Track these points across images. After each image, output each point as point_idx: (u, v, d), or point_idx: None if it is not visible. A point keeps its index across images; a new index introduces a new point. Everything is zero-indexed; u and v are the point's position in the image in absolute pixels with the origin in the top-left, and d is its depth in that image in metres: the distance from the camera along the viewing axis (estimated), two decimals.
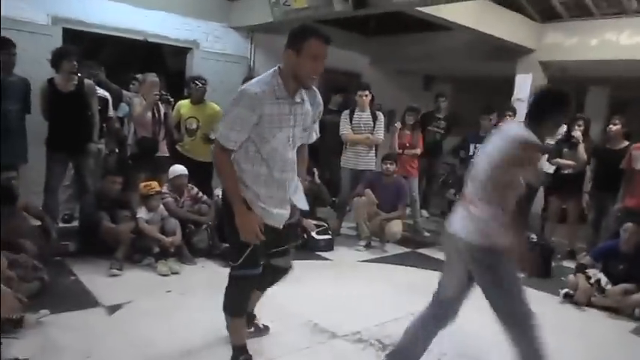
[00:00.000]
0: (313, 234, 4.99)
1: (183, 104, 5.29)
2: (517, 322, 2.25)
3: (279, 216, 2.44)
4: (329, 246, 5.04)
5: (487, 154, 2.30)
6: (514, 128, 2.41)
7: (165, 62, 7.23)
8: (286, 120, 2.33)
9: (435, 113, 6.72)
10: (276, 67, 2.35)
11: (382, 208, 5.24)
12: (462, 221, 2.30)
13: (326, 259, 4.84)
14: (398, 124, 5.92)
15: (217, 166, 2.40)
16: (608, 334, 3.67)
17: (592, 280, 4.22)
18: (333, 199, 5.76)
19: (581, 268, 4.28)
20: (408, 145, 5.84)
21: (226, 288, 2.50)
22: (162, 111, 4.89)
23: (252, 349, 2.61)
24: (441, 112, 6.71)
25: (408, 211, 6.10)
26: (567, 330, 3.66)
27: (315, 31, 2.26)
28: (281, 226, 2.47)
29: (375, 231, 5.23)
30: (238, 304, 2.52)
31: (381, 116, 5.61)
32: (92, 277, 3.74)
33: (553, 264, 5.04)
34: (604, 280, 4.18)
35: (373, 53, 8.39)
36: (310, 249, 4.92)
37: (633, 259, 4.08)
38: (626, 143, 5.06)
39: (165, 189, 4.46)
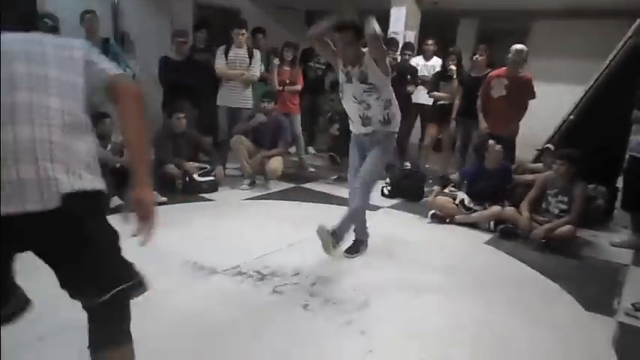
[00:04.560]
0: (195, 176, 4.89)
1: None
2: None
3: None
4: (212, 187, 4.97)
5: None
6: None
7: None
8: None
9: None
10: None
11: (263, 146, 5.24)
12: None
13: (209, 200, 4.80)
14: (276, 61, 5.86)
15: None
16: (466, 245, 4.09)
17: (457, 201, 4.64)
18: (215, 141, 5.63)
19: (446, 182, 4.76)
20: (287, 81, 5.82)
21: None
22: None
23: None
24: None
25: (293, 148, 6.19)
26: (433, 244, 4.03)
27: None
28: None
29: (257, 169, 5.24)
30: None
31: (257, 53, 5.49)
32: None
33: (425, 189, 5.42)
34: (467, 199, 4.62)
35: None
36: (193, 192, 4.84)
37: (495, 174, 4.56)
38: (489, 70, 5.43)
39: None
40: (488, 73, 5.36)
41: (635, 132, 4.10)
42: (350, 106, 3.44)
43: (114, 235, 1.50)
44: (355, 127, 3.50)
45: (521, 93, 4.99)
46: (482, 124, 5.15)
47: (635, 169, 4.11)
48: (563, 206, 4.10)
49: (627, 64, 4.83)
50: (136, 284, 1.51)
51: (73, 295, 1.47)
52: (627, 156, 4.24)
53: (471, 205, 4.58)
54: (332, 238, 3.20)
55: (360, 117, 3.38)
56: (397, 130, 3.52)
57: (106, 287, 1.44)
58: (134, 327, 1.57)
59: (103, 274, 1.46)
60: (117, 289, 1.45)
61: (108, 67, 1.56)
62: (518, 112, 5.07)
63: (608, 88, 4.92)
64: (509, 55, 4.93)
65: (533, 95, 5.01)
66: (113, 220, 1.53)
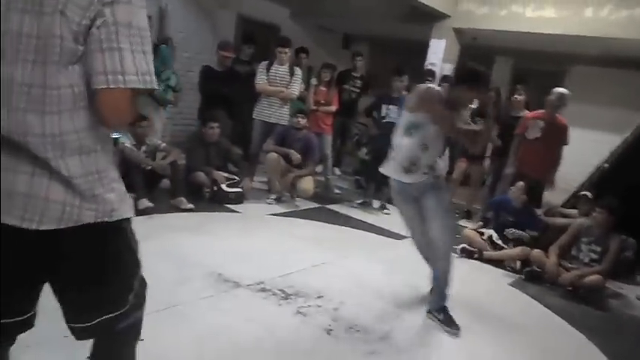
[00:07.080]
0: (223, 186, 4.92)
1: None
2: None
3: None
4: (239, 199, 5.00)
5: None
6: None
7: None
8: None
9: (352, 72, 6.76)
10: None
11: (291, 162, 5.25)
12: None
13: (235, 211, 4.81)
14: (314, 81, 5.92)
15: None
16: (491, 284, 4.04)
17: (485, 237, 4.61)
18: (243, 153, 5.67)
19: (485, 221, 4.82)
20: (322, 101, 5.87)
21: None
22: None
23: (153, 298, 2.55)
24: (357, 71, 6.76)
25: (320, 168, 6.20)
26: (458, 280, 3.95)
27: None
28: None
29: (287, 187, 5.26)
30: None
31: (298, 72, 5.54)
32: None
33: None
34: (495, 235, 4.60)
35: (293, 5, 8.22)
36: (219, 201, 4.87)
37: (520, 213, 4.57)
38: (527, 112, 5.42)
39: None
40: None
41: None
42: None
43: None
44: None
45: (555, 137, 4.94)
46: (511, 166, 5.13)
47: None
48: (595, 255, 4.03)
49: None
50: (121, 315, 1.35)
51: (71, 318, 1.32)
52: None
53: (499, 242, 4.55)
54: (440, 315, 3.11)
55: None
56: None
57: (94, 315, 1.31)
58: (154, 339, 1.50)
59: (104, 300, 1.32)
60: (101, 318, 1.31)
61: None
62: (552, 156, 4.99)
63: None
64: (551, 97, 4.88)
65: (566, 141, 4.97)
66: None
